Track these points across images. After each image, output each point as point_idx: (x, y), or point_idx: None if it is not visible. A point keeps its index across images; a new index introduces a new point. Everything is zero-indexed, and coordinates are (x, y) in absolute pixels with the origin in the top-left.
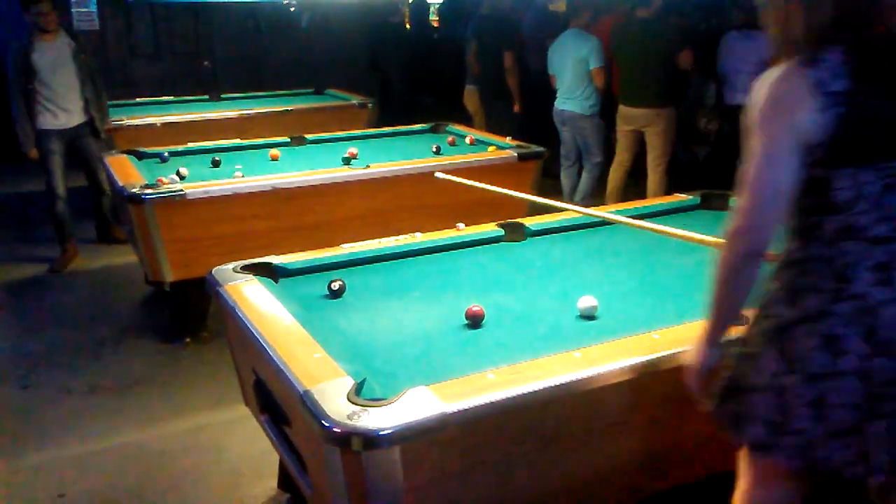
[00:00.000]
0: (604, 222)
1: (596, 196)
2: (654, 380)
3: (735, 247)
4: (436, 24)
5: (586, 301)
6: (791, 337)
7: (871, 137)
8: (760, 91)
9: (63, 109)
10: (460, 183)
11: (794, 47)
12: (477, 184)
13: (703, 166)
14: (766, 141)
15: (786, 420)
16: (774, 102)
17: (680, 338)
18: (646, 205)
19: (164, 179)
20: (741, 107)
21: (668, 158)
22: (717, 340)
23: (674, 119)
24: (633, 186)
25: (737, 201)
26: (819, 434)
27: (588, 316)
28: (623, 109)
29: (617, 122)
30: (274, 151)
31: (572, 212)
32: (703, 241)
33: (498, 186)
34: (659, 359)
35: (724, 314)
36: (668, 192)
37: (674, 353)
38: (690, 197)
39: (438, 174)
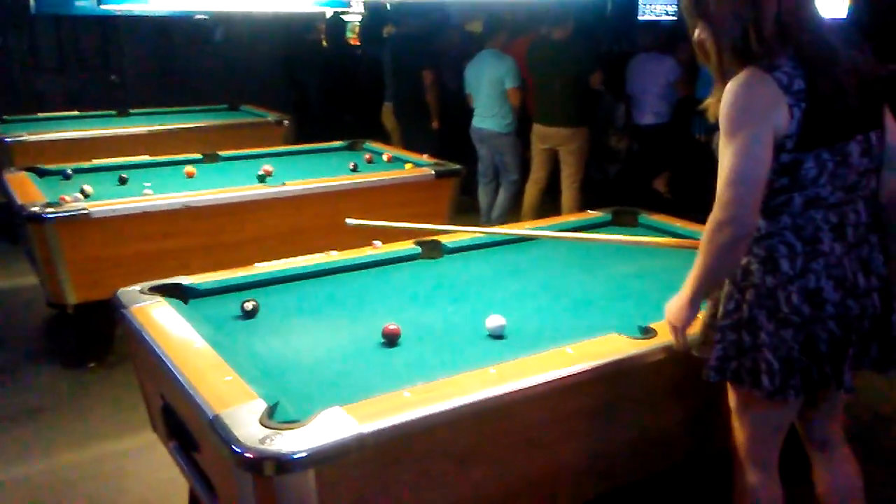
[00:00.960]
0: (519, 239)
1: (513, 213)
2: (569, 394)
3: (726, 235)
4: (354, 42)
5: (494, 320)
6: (777, 297)
7: (828, 124)
8: (727, 97)
9: None
10: (374, 226)
11: (745, 60)
12: (394, 224)
13: (613, 184)
14: (745, 138)
15: (789, 366)
16: (751, 104)
17: (593, 352)
18: (561, 221)
19: (66, 198)
20: (649, 126)
21: (582, 176)
22: (698, 304)
23: (587, 138)
24: (549, 203)
25: (720, 193)
26: (814, 367)
27: (496, 335)
28: (538, 128)
29: (532, 141)
30: (189, 168)
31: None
32: (632, 242)
33: (415, 205)
34: (573, 373)
35: (708, 286)
36: (582, 209)
37: (588, 367)
38: (602, 214)
39: (349, 221)
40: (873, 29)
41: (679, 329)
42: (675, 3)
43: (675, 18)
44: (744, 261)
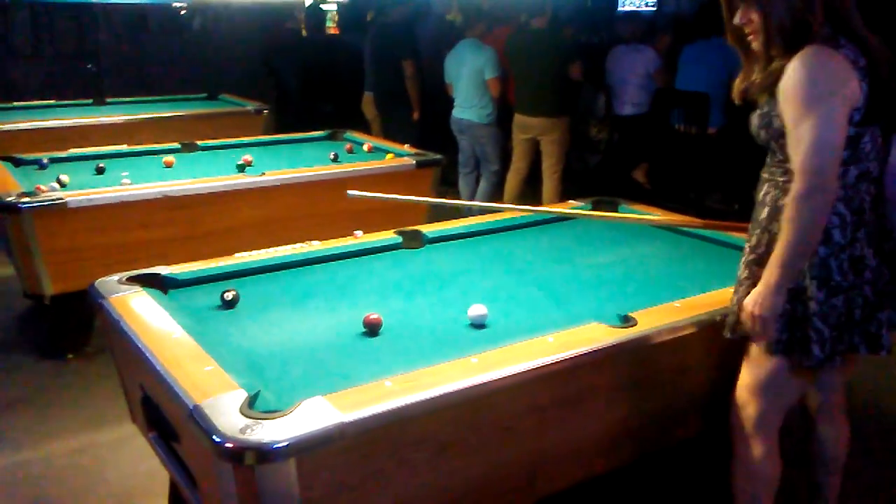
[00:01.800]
0: (501, 228)
1: (494, 202)
2: (550, 382)
3: (818, 202)
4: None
5: (476, 309)
6: (829, 266)
7: (883, 102)
8: (801, 71)
9: None
10: (374, 198)
11: (797, 41)
12: (394, 196)
13: (593, 174)
14: (824, 110)
15: (839, 332)
16: (827, 78)
17: (573, 340)
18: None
19: (42, 187)
20: (628, 117)
21: (563, 166)
22: (785, 288)
23: (568, 128)
24: (530, 193)
25: (804, 162)
26: (853, 332)
27: (478, 324)
28: (519, 118)
29: (513, 131)
30: (168, 158)
31: (482, 217)
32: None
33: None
34: (554, 361)
35: (797, 263)
36: (563, 199)
37: (568, 356)
38: (583, 203)
39: (350, 193)
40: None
41: (768, 319)
42: None
43: (654, 9)
44: None
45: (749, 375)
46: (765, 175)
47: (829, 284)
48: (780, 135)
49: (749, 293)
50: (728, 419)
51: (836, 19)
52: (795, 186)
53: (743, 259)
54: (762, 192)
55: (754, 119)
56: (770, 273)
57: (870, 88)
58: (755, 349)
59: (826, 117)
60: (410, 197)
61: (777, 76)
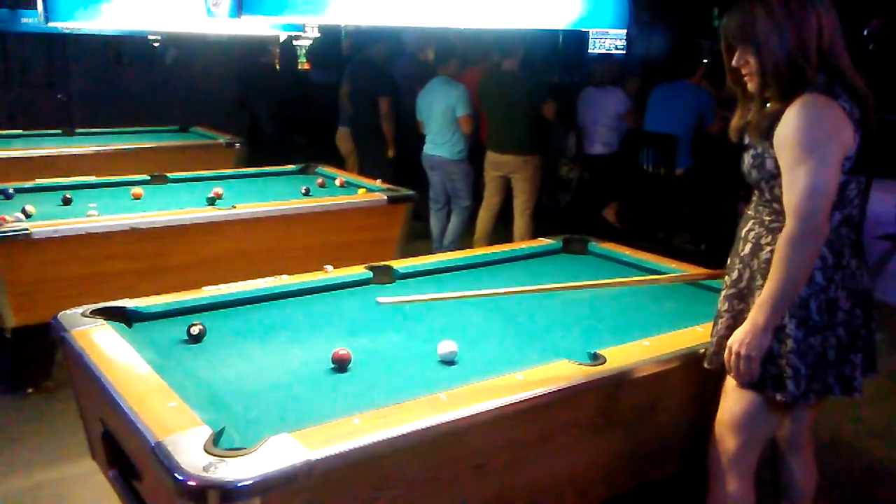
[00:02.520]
0: (471, 265)
1: (465, 238)
2: (519, 420)
3: (811, 244)
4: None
5: (446, 346)
6: (809, 307)
7: (870, 153)
8: (801, 117)
9: None
10: (407, 301)
11: (793, 86)
12: (429, 296)
13: (564, 212)
14: (821, 156)
15: (815, 371)
16: (826, 125)
17: (542, 378)
18: (513, 248)
19: (7, 217)
20: (598, 156)
21: (534, 203)
22: (772, 328)
23: (539, 166)
24: (502, 230)
25: (798, 206)
26: (827, 372)
27: (448, 361)
28: (491, 156)
29: (485, 168)
30: (136, 190)
31: (454, 253)
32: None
33: (367, 230)
34: (524, 399)
35: (785, 304)
36: (534, 236)
37: (538, 394)
38: (553, 241)
39: (380, 300)
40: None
41: (754, 359)
42: (623, 37)
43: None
44: None
45: (725, 411)
46: (749, 212)
47: (808, 324)
48: (771, 176)
49: (728, 325)
50: (703, 456)
51: (829, 67)
52: (788, 229)
53: (724, 293)
54: (745, 229)
55: (746, 158)
56: (758, 313)
57: (861, 139)
58: (731, 384)
59: (822, 163)
60: (447, 294)
61: (773, 119)
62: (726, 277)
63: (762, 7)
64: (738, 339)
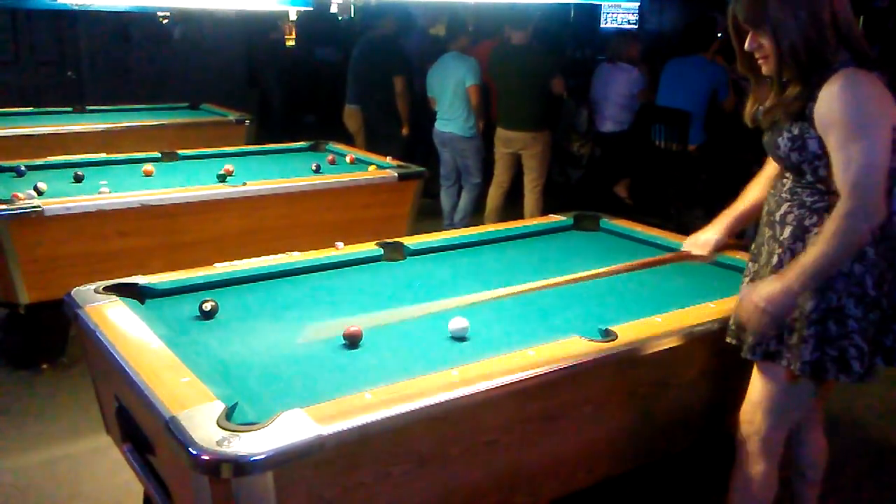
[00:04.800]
0: (481, 242)
1: (476, 215)
2: (530, 396)
3: (865, 224)
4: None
5: (457, 322)
6: (865, 283)
7: None
8: (848, 93)
9: None
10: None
11: (813, 65)
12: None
13: (575, 188)
14: (875, 133)
15: (875, 347)
16: (873, 100)
17: (554, 354)
18: (523, 225)
19: (19, 195)
20: (609, 134)
21: (544, 180)
22: (799, 296)
23: (549, 143)
24: (511, 207)
25: (854, 183)
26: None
27: (459, 337)
28: (501, 132)
29: (496, 145)
30: (147, 167)
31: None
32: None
33: (377, 207)
34: (535, 375)
35: (823, 276)
36: (544, 213)
37: (549, 370)
38: (564, 218)
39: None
40: None
41: (776, 318)
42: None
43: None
44: None
45: (759, 392)
46: (784, 195)
47: (865, 300)
48: (815, 157)
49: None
50: (719, 432)
51: (848, 43)
52: (846, 206)
53: (752, 277)
54: (781, 212)
55: (781, 142)
56: (795, 278)
57: None
58: (768, 367)
59: (877, 140)
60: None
61: (805, 100)
62: (755, 262)
63: None
64: (768, 296)
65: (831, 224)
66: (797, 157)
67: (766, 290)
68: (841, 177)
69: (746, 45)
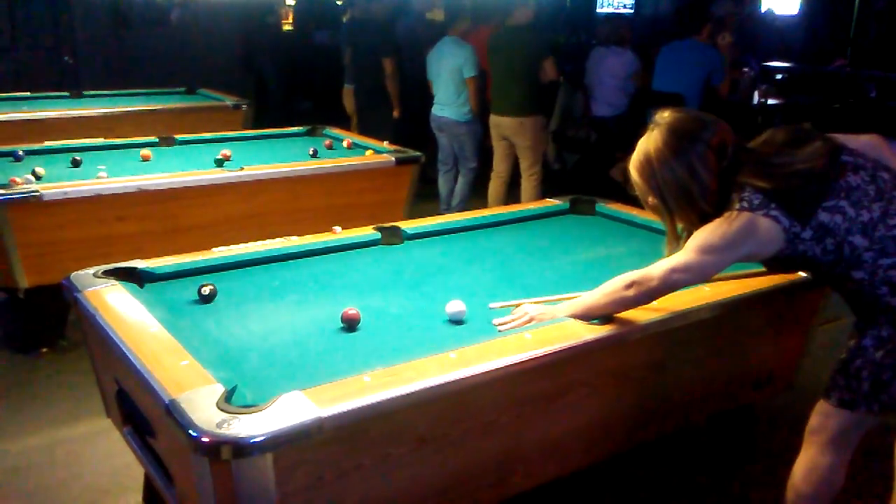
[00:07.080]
0: (479, 225)
1: (473, 200)
2: (527, 378)
3: (640, 304)
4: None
5: (454, 305)
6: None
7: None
8: (723, 226)
9: None
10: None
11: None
12: (532, 299)
13: (572, 173)
14: (726, 254)
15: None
16: (746, 241)
17: (550, 336)
18: (520, 209)
19: (17, 179)
20: (605, 118)
21: (539, 167)
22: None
23: (539, 128)
24: (513, 199)
25: (666, 274)
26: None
27: (456, 320)
28: (493, 118)
29: (491, 133)
30: (145, 152)
31: (462, 214)
32: None
33: (374, 191)
34: (531, 358)
35: (586, 318)
36: (541, 197)
37: (545, 352)
38: (560, 202)
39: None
40: (824, 25)
41: (535, 321)
42: None
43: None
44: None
45: (841, 419)
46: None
47: (883, 337)
48: (807, 261)
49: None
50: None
51: (736, 172)
52: (648, 285)
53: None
54: None
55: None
56: (577, 311)
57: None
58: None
59: (719, 262)
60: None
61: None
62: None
63: (654, 152)
64: (545, 315)
65: (620, 289)
66: (799, 262)
67: (548, 311)
68: (673, 261)
69: (649, 202)
